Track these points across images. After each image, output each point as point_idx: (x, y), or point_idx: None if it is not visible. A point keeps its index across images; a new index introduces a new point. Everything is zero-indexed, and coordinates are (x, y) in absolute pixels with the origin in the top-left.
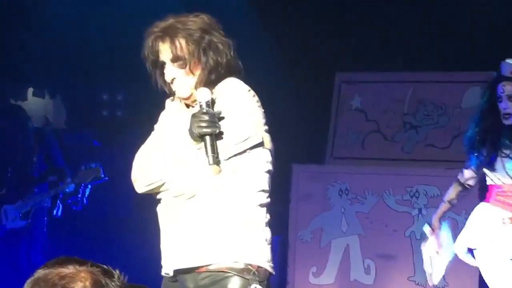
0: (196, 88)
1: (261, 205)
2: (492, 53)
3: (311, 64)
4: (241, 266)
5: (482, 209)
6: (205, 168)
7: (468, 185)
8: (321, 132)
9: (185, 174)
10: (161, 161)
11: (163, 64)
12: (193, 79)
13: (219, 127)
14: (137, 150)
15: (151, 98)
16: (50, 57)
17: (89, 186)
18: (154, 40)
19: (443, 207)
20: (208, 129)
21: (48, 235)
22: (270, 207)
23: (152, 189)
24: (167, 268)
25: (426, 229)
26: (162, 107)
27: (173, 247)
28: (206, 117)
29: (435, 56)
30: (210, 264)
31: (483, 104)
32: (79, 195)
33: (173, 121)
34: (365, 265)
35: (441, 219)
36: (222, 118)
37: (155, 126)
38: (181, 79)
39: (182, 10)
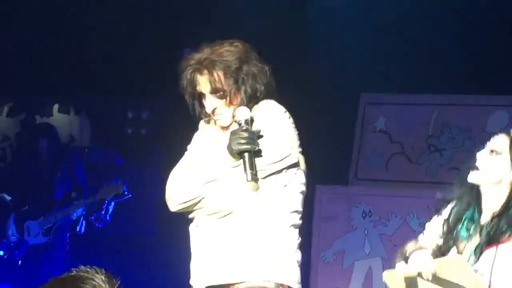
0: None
1: (295, 226)
2: None
3: (336, 85)
4: (272, 286)
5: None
6: (241, 187)
7: None
8: (345, 153)
9: (221, 192)
10: (196, 180)
11: (201, 95)
12: (232, 108)
13: (257, 145)
14: (162, 168)
15: (175, 116)
16: (77, 73)
17: (113, 203)
18: (191, 73)
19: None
20: (248, 145)
21: (70, 251)
22: None
23: (187, 207)
24: (198, 284)
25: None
26: (186, 125)
27: (205, 264)
28: (245, 134)
29: (461, 79)
30: (242, 282)
31: None
32: (103, 212)
33: (209, 142)
34: None
35: None
36: (261, 136)
37: (189, 147)
38: (221, 110)
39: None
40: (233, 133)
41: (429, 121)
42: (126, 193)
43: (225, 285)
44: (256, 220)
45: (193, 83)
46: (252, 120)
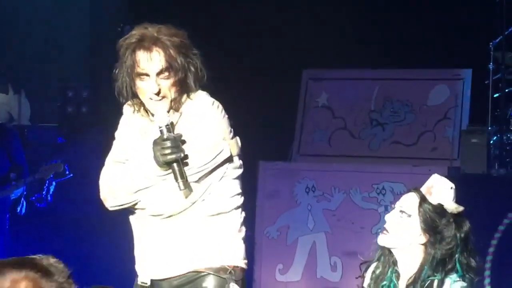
0: (175, 101)
1: (236, 208)
2: (458, 51)
3: (278, 61)
4: (217, 265)
5: None
6: (176, 192)
7: None
8: (288, 129)
9: (158, 198)
10: (129, 187)
11: (138, 76)
12: (174, 92)
13: (183, 151)
14: (103, 147)
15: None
16: (15, 52)
17: (54, 183)
18: (136, 50)
19: None
20: (173, 155)
21: (11, 232)
22: None
23: (123, 208)
24: (144, 277)
25: None
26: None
27: (151, 259)
28: (168, 144)
29: (402, 54)
30: (187, 273)
31: None
32: (44, 192)
33: (137, 134)
34: (332, 262)
35: None
36: (184, 142)
37: (116, 134)
38: (165, 92)
39: None
40: (155, 143)
41: (371, 95)
42: (67, 172)
43: (168, 279)
44: (197, 214)
45: (136, 62)
46: (172, 124)
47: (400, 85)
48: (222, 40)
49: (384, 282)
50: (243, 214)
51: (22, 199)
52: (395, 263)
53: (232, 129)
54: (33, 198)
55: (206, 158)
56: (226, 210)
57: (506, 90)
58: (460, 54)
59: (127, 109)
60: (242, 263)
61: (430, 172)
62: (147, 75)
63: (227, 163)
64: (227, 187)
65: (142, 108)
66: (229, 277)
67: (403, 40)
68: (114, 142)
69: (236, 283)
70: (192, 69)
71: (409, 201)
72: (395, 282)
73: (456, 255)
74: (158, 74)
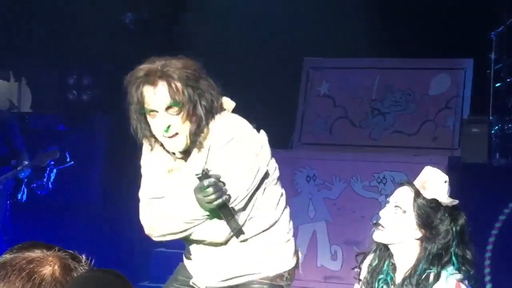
0: (191, 136)
1: (282, 211)
2: (459, 41)
3: (279, 50)
4: (273, 274)
5: None
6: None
7: None
8: (289, 118)
9: (211, 229)
10: (176, 226)
11: (149, 114)
12: (188, 127)
13: (226, 192)
14: (104, 135)
15: (117, 83)
16: (16, 39)
17: (54, 170)
18: (142, 85)
19: None
20: (219, 200)
21: (12, 219)
22: None
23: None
24: (200, 282)
25: None
26: (126, 91)
27: (208, 267)
28: (211, 190)
29: (403, 43)
30: (242, 282)
31: None
32: (44, 180)
33: (162, 172)
34: (332, 251)
35: None
36: (222, 174)
37: (142, 166)
38: (176, 128)
39: None
40: (196, 191)
41: (372, 85)
42: (68, 160)
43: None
44: (249, 232)
45: (143, 98)
46: (208, 170)
47: (401, 74)
48: (223, 29)
49: (381, 276)
50: (288, 210)
51: (23, 186)
52: (391, 256)
53: (255, 130)
54: (34, 185)
55: (246, 184)
56: (275, 220)
57: (508, 80)
58: (461, 43)
59: (146, 148)
60: (293, 261)
61: (431, 161)
62: (156, 111)
63: (266, 175)
64: (271, 199)
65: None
66: (286, 284)
67: (405, 29)
68: (142, 173)
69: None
70: (203, 101)
71: (403, 196)
72: (392, 275)
73: (452, 248)
74: (167, 109)
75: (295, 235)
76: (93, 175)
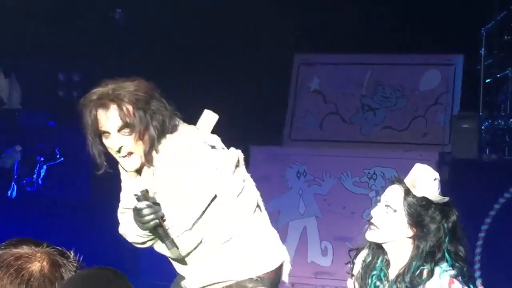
0: (146, 155)
1: (250, 216)
2: (449, 37)
3: (270, 46)
4: (243, 278)
5: None
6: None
7: None
8: (280, 114)
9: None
10: (132, 238)
11: (103, 135)
12: (141, 147)
13: (159, 215)
14: None
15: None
16: (6, 35)
17: (44, 167)
18: (96, 108)
19: None
20: (150, 223)
21: (3, 215)
22: None
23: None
24: (190, 285)
25: None
26: None
27: (185, 272)
28: (144, 212)
29: (394, 39)
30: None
31: None
32: (34, 176)
33: (129, 185)
34: (323, 247)
35: None
36: (166, 194)
37: (121, 176)
38: (128, 147)
39: None
40: (134, 212)
41: (362, 80)
42: (58, 156)
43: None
44: (211, 247)
45: (96, 120)
46: (147, 191)
47: (391, 70)
48: (214, 24)
49: (374, 272)
50: (258, 212)
51: (13, 182)
52: (385, 252)
53: (223, 147)
54: (24, 181)
55: (190, 209)
56: (245, 226)
57: (498, 76)
58: (451, 39)
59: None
60: (273, 266)
61: (421, 157)
62: (109, 132)
63: (225, 190)
64: (225, 217)
65: None
66: (254, 286)
67: (395, 25)
68: (122, 183)
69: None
70: (154, 122)
71: (393, 195)
72: (385, 271)
73: (445, 245)
74: (119, 130)
75: (285, 231)
76: (83, 171)
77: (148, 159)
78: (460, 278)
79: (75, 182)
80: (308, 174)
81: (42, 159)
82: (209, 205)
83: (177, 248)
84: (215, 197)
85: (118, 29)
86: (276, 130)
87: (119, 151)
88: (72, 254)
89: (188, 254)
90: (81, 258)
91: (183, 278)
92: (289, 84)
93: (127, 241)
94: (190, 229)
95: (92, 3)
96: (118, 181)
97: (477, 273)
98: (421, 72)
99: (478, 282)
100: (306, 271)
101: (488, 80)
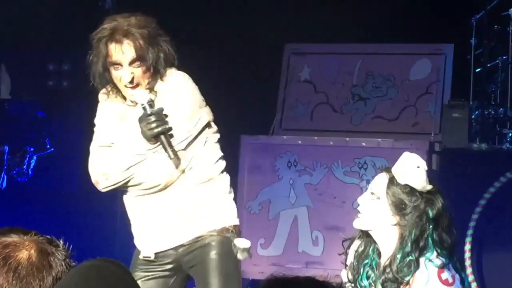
0: (148, 85)
1: (222, 171)
2: (440, 26)
3: (260, 35)
4: (218, 227)
5: None
6: (166, 162)
7: None
8: (270, 104)
9: (149, 170)
10: (121, 165)
11: (112, 66)
12: (147, 78)
13: (167, 123)
14: (84, 122)
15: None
16: None
17: (34, 157)
18: (108, 42)
19: None
20: (159, 128)
21: None
22: None
23: (116, 187)
24: (147, 252)
25: None
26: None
27: (152, 234)
28: (153, 118)
29: (384, 28)
30: (192, 239)
31: None
32: (24, 167)
33: (117, 118)
34: (313, 237)
35: None
36: (167, 113)
37: (96, 121)
38: (139, 79)
39: None
40: (141, 120)
41: (353, 70)
42: (48, 146)
43: (174, 247)
44: (190, 183)
45: (109, 53)
46: (152, 100)
47: (382, 59)
48: (204, 14)
49: (366, 261)
50: (228, 176)
51: (3, 173)
52: (375, 241)
53: (203, 98)
54: (14, 172)
55: (188, 126)
56: (215, 175)
57: (488, 65)
58: (442, 28)
59: (102, 96)
60: (237, 221)
61: (412, 146)
62: (121, 64)
63: (207, 129)
64: (211, 152)
65: (119, 94)
66: (232, 235)
67: (385, 14)
68: (95, 129)
69: (237, 239)
70: (162, 55)
71: (379, 183)
72: (377, 260)
73: (427, 232)
74: (130, 63)
75: (276, 221)
76: (73, 162)
77: (151, 87)
78: (450, 267)
79: (66, 173)
80: (299, 163)
81: (32, 149)
82: (203, 129)
83: (179, 159)
84: (208, 124)
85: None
86: (267, 120)
87: (131, 81)
88: (61, 242)
89: (171, 184)
90: (70, 247)
91: (145, 246)
92: (280, 73)
93: (118, 232)
94: (184, 149)
95: None
96: None
97: (467, 262)
98: (411, 61)
99: (469, 271)
100: (297, 261)
101: (478, 69)
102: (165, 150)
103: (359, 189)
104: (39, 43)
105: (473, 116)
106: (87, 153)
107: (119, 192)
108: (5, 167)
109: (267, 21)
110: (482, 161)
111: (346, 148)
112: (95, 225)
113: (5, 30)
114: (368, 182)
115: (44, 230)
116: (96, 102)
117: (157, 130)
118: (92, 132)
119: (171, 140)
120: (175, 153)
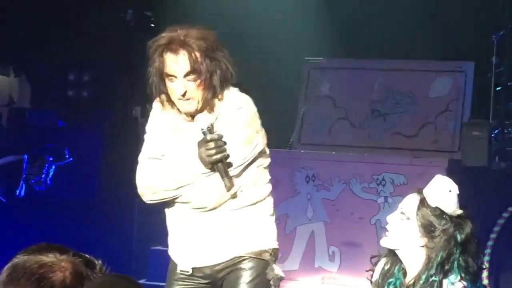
0: (203, 102)
1: (269, 194)
2: (461, 43)
3: (280, 50)
4: (258, 249)
5: None
6: (217, 187)
7: None
8: (289, 118)
9: (204, 192)
10: (170, 183)
11: (167, 77)
12: (201, 93)
13: (225, 150)
14: (103, 132)
15: (117, 79)
16: (16, 34)
17: (53, 167)
18: (164, 52)
19: None
20: (218, 155)
21: (10, 214)
22: None
23: (162, 202)
24: (185, 266)
25: None
26: (127, 89)
27: (192, 248)
28: (212, 145)
29: (405, 45)
30: (231, 258)
31: None
32: (43, 176)
33: (170, 130)
34: (330, 252)
35: None
36: (226, 138)
37: (147, 129)
38: (192, 93)
39: None
40: (200, 145)
41: (373, 86)
42: (67, 156)
43: (211, 265)
44: (237, 205)
45: (164, 63)
46: (212, 125)
47: (402, 76)
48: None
49: (391, 279)
50: (272, 199)
51: (22, 181)
52: (401, 261)
53: (260, 121)
54: (32, 181)
55: (244, 152)
56: (262, 198)
57: (508, 84)
58: (463, 46)
59: (157, 105)
60: (276, 244)
61: (431, 164)
62: (175, 76)
63: (261, 154)
64: (261, 177)
65: (174, 105)
66: (271, 259)
67: (407, 31)
68: (146, 137)
69: (275, 263)
70: (218, 71)
71: (409, 204)
72: (402, 279)
73: (454, 257)
74: (185, 76)
75: (293, 235)
76: (92, 171)
77: (210, 106)
78: None
79: (84, 182)
80: (317, 178)
81: (51, 159)
82: (258, 155)
83: (233, 185)
84: (263, 153)
85: (128, 30)
86: (286, 135)
87: (183, 94)
88: (99, 263)
89: (219, 205)
90: (108, 268)
91: (183, 260)
92: (299, 88)
93: (135, 241)
94: (237, 174)
95: (103, 3)
96: (125, 179)
97: (485, 281)
98: (432, 78)
99: None
100: (313, 276)
101: (499, 88)
102: (222, 178)
103: (377, 205)
104: (60, 53)
105: (492, 135)
106: (105, 162)
107: (139, 200)
108: (24, 176)
109: (287, 36)
110: (501, 180)
111: (364, 164)
112: (112, 234)
113: (25, 40)
114: (385, 198)
115: (61, 239)
116: (120, 100)
117: (216, 157)
118: (108, 139)
119: (227, 168)
120: (230, 181)
